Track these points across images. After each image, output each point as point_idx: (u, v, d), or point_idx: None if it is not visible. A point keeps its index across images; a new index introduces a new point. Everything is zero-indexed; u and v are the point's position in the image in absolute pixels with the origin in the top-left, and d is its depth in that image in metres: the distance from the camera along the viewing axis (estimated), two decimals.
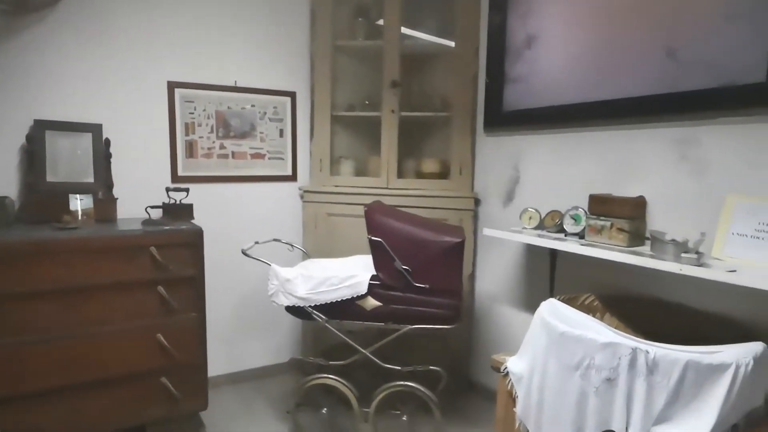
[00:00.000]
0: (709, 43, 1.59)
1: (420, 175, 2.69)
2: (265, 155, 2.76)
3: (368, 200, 2.22)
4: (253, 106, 2.69)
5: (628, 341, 1.24)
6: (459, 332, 2.49)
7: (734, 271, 1.34)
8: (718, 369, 1.18)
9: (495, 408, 2.40)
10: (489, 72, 2.46)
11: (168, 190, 2.33)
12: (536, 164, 2.26)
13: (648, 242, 1.69)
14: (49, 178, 2.18)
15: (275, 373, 2.84)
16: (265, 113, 2.74)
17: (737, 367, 1.18)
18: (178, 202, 2.33)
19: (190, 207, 2.35)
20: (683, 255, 1.42)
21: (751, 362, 1.19)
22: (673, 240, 1.50)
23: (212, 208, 2.61)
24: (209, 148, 2.61)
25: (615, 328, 1.44)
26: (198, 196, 2.51)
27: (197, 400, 2.13)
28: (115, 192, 2.31)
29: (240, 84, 2.64)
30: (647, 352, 1.21)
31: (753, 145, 1.51)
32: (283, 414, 2.36)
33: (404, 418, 2.10)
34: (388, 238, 1.93)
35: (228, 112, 2.64)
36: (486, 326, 2.59)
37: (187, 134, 2.55)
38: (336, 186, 2.69)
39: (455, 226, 2.29)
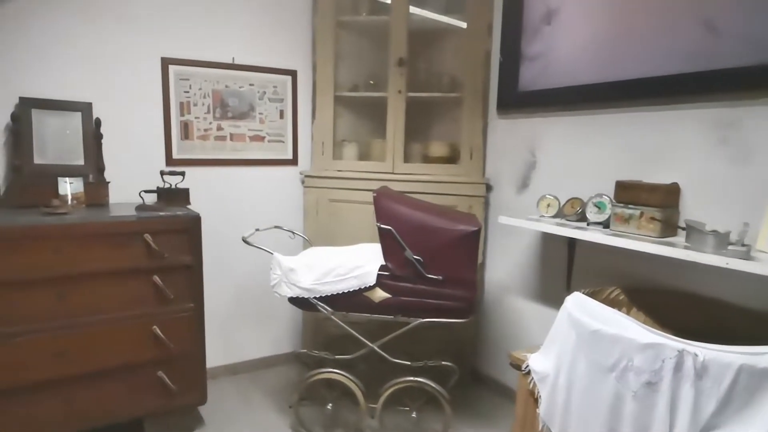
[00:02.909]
0: (754, 16, 1.46)
1: (427, 159, 2.57)
2: (264, 137, 2.62)
3: (373, 186, 2.10)
4: (252, 85, 2.54)
5: (674, 342, 1.13)
6: (467, 323, 2.39)
7: None
8: None
9: (504, 402, 2.34)
10: (503, 50, 2.32)
11: (162, 173, 2.19)
12: (555, 149, 2.13)
13: (682, 232, 1.58)
14: (37, 160, 2.04)
15: (275, 364, 2.73)
16: (265, 93, 2.59)
17: None
18: (173, 186, 2.19)
19: (186, 192, 2.21)
20: (730, 248, 1.30)
21: None
22: (714, 231, 1.39)
23: (209, 193, 2.47)
24: (206, 130, 2.47)
25: (642, 323, 1.34)
26: (194, 180, 2.38)
27: (195, 394, 2.03)
28: (107, 175, 2.17)
29: (238, 61, 2.48)
30: (695, 355, 1.10)
31: None
32: (284, 407, 2.26)
33: (413, 415, 2.00)
34: (398, 226, 1.81)
35: (225, 91, 2.48)
36: (496, 317, 2.49)
37: (182, 114, 2.40)
38: (339, 171, 2.56)
39: (469, 213, 2.17)
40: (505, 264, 2.41)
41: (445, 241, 1.79)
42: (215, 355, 2.56)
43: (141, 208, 2.00)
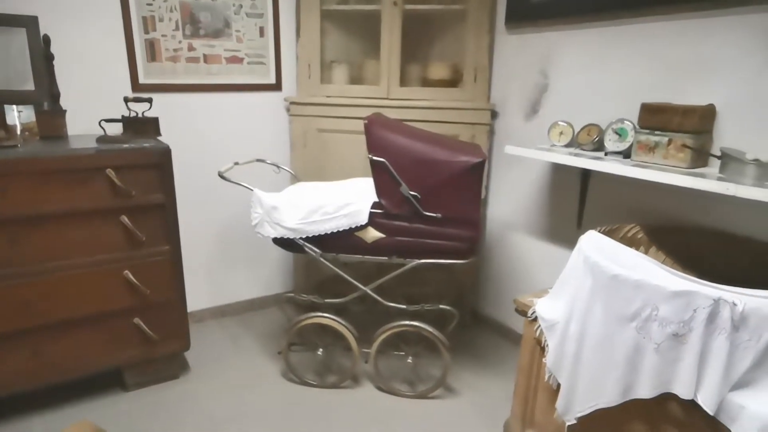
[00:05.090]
0: None
1: (426, 82, 2.31)
2: (243, 59, 2.33)
3: (366, 113, 1.86)
4: None
5: (709, 290, 0.97)
6: (468, 263, 2.25)
7: None
8: None
9: (506, 344, 2.25)
10: None
11: (127, 100, 1.94)
12: (570, 68, 1.87)
13: (713, 162, 1.38)
14: None
15: (265, 306, 2.63)
16: (242, 6, 2.26)
17: None
18: (140, 115, 1.95)
19: (155, 121, 1.97)
20: None
21: None
22: (756, 160, 1.19)
23: (182, 123, 2.23)
24: (175, 50, 2.17)
25: (662, 263, 1.18)
26: (164, 108, 2.13)
27: (178, 341, 1.91)
28: (63, 103, 1.92)
29: None
30: (734, 304, 0.94)
31: None
32: (274, 352, 2.16)
33: (409, 360, 1.90)
34: (392, 158, 1.61)
35: (195, 4, 2.17)
36: (498, 257, 2.34)
37: (146, 32, 2.10)
38: (327, 96, 2.30)
39: (472, 143, 1.95)
40: (510, 199, 2.23)
41: (445, 175, 1.60)
42: (200, 298, 2.44)
43: (102, 139, 1.77)
